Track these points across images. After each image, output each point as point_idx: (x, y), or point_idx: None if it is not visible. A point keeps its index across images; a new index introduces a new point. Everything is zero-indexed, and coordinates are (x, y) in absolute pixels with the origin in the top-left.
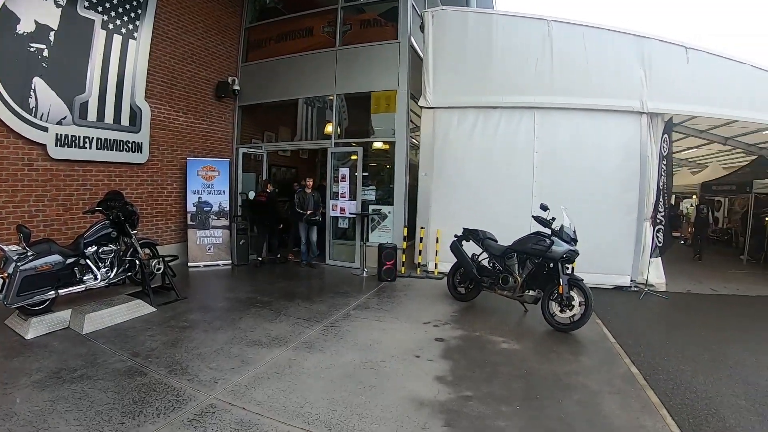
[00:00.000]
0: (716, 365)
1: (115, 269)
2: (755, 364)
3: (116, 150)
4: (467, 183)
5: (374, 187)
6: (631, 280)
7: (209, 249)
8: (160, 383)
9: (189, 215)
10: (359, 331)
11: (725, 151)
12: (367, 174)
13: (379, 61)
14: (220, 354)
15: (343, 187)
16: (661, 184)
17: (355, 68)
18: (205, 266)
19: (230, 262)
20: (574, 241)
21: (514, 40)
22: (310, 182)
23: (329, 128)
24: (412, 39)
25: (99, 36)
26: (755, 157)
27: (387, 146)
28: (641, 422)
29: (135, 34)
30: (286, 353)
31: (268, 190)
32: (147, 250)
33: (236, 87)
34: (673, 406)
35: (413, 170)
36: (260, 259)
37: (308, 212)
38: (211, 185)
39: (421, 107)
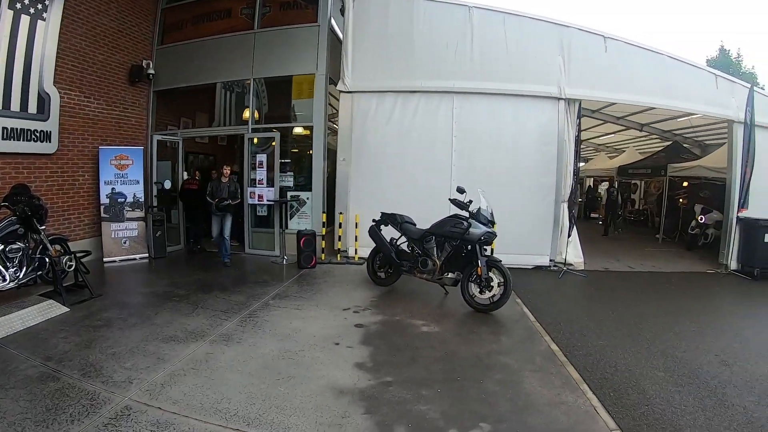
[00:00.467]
0: (634, 339)
1: (25, 268)
2: (672, 337)
3: (23, 140)
4: (386, 167)
5: (293, 174)
6: (550, 260)
7: (125, 242)
8: (73, 388)
9: (102, 207)
10: (278, 320)
11: (641, 136)
12: (289, 161)
13: (299, 45)
14: (135, 352)
15: (261, 174)
16: (576, 167)
17: (273, 52)
18: (121, 261)
19: (147, 255)
20: (492, 223)
21: (435, 25)
22: (227, 170)
23: (247, 114)
24: (333, 22)
25: (5, 16)
26: (670, 142)
27: (307, 132)
28: (562, 398)
29: (44, 15)
30: (203, 348)
31: (197, 178)
32: (58, 247)
33: (151, 71)
34: (593, 381)
35: (333, 156)
36: (199, 246)
37: (216, 200)
38: (124, 175)
39: (339, 92)
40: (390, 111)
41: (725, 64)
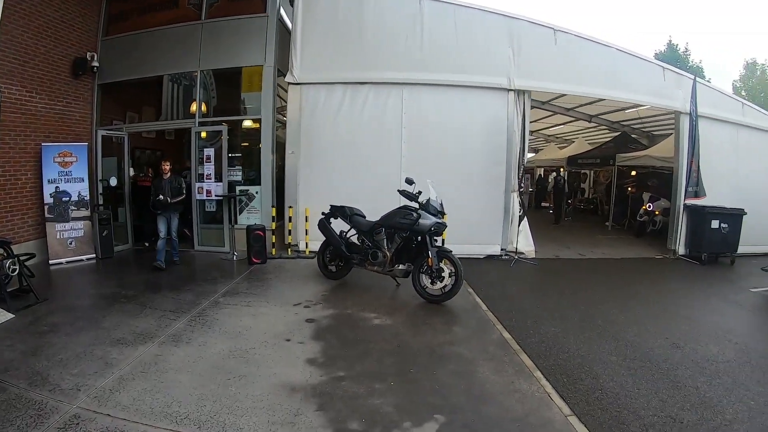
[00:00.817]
0: (586, 325)
1: None
2: (623, 322)
3: None
4: (335, 160)
5: (242, 168)
6: (502, 249)
7: (71, 243)
8: (20, 398)
9: (46, 207)
10: (228, 318)
11: (591, 127)
12: (237, 155)
13: (247, 36)
14: (82, 358)
15: (209, 169)
16: (523, 157)
17: (221, 43)
18: (67, 262)
19: (94, 255)
20: (442, 213)
21: (385, 16)
22: (166, 166)
23: (194, 107)
24: (282, 12)
25: None
26: (618, 133)
27: (256, 125)
28: (516, 386)
29: None
30: (151, 349)
31: (150, 174)
32: (0, 250)
33: (96, 63)
34: (546, 368)
35: (282, 149)
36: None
37: (159, 197)
38: (68, 173)
39: (288, 83)
40: (339, 103)
41: (673, 58)
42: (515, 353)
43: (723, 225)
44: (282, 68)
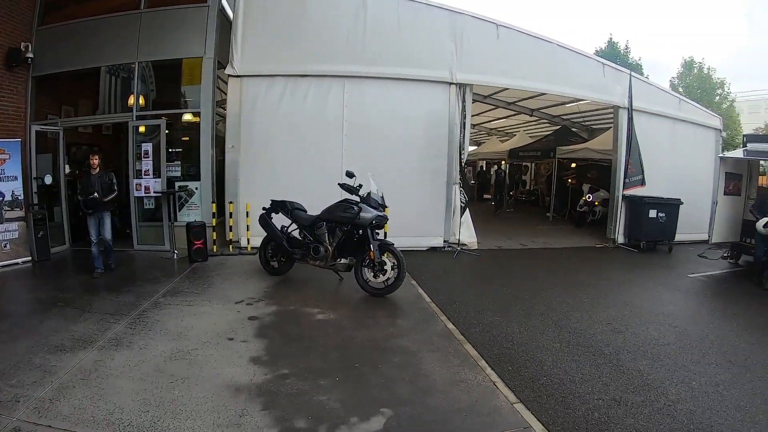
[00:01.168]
0: (529, 313)
1: None
2: (565, 309)
3: None
4: (275, 154)
5: (180, 163)
6: (444, 241)
7: (5, 246)
8: None
9: None
10: (169, 319)
11: (532, 121)
12: (179, 149)
13: (187, 26)
14: (20, 367)
15: (147, 165)
16: (465, 150)
17: (160, 33)
18: (2, 266)
19: (30, 258)
20: (383, 206)
21: (328, 8)
22: (95, 160)
23: (132, 100)
24: (224, 2)
25: None
26: (559, 126)
27: (196, 118)
28: (462, 376)
29: None
30: (91, 355)
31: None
32: None
33: (30, 54)
34: (491, 357)
35: (222, 143)
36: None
37: (90, 197)
38: (1, 171)
39: (228, 76)
40: (280, 96)
41: (613, 55)
42: (460, 343)
43: (660, 214)
44: (223, 60)
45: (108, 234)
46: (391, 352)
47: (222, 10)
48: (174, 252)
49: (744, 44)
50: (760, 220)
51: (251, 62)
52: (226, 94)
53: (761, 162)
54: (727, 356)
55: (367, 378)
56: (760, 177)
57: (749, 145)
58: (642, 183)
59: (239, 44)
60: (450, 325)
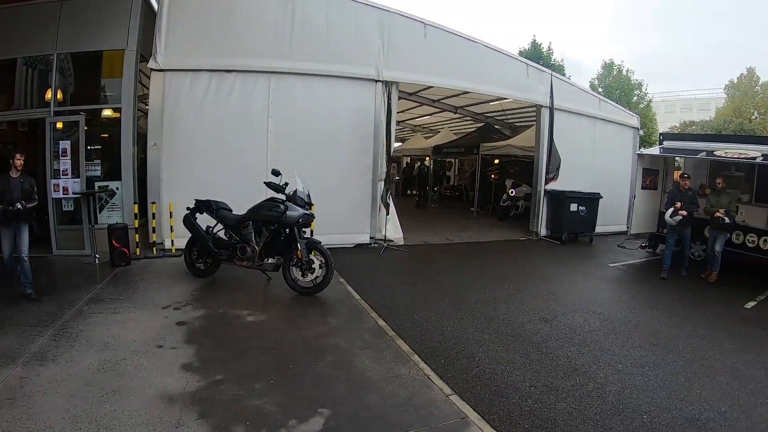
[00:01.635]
0: (458, 307)
1: None
2: (493, 301)
3: None
4: (200, 152)
5: (101, 162)
6: (371, 238)
7: None
8: None
9: None
10: (95, 328)
11: (456, 118)
12: (97, 147)
13: (109, 17)
14: None
15: (65, 164)
16: (391, 147)
17: (81, 24)
18: None
19: None
20: (309, 204)
21: (256, 2)
22: (19, 160)
23: (49, 94)
24: None
25: None
26: (482, 124)
27: (117, 114)
28: (396, 371)
29: None
30: (16, 372)
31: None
32: None
33: None
34: (424, 351)
35: (144, 140)
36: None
37: (12, 207)
38: None
39: (151, 69)
40: (204, 91)
41: (536, 55)
42: (392, 339)
43: (581, 208)
44: (146, 53)
45: (25, 248)
46: (325, 351)
47: (147, 0)
48: (96, 256)
49: (662, 48)
50: (667, 212)
51: (175, 56)
52: (148, 88)
53: (676, 158)
54: (650, 339)
55: (302, 379)
56: (675, 172)
57: (665, 143)
58: (554, 178)
59: (163, 36)
60: (381, 322)
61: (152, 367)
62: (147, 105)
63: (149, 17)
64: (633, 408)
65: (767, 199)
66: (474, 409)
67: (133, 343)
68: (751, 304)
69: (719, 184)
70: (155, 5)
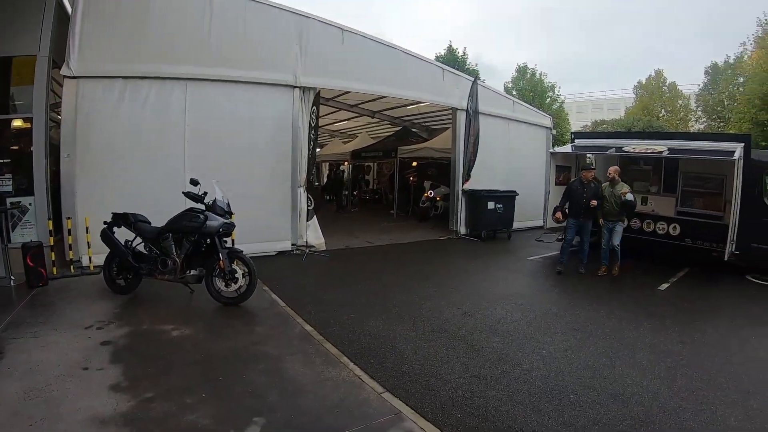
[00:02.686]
0: (383, 307)
1: None
2: (417, 300)
3: None
4: (116, 163)
5: (11, 176)
6: (293, 244)
7: None
8: None
9: None
10: (15, 354)
11: (374, 122)
12: (8, 160)
13: (20, 20)
14: None
15: None
16: (310, 152)
17: None
18: None
19: None
20: (229, 213)
21: (173, 6)
22: None
23: None
24: None
25: None
26: (399, 127)
27: (28, 124)
28: (327, 374)
29: None
30: None
31: None
32: None
33: None
34: (353, 353)
35: (57, 152)
36: None
37: None
38: None
39: (63, 77)
40: (119, 99)
41: (452, 60)
42: (320, 343)
43: (498, 206)
44: (59, 60)
45: None
46: (254, 360)
47: (60, 3)
48: (10, 278)
49: (575, 52)
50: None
51: (90, 62)
52: (60, 97)
53: (587, 155)
54: (571, 325)
55: (234, 389)
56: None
57: (576, 141)
58: (467, 178)
59: (77, 42)
60: (308, 327)
61: (80, 390)
62: (59, 115)
63: (62, 21)
64: (560, 389)
65: (674, 190)
66: (407, 404)
67: (57, 367)
68: (664, 286)
69: (610, 175)
70: (69, 9)
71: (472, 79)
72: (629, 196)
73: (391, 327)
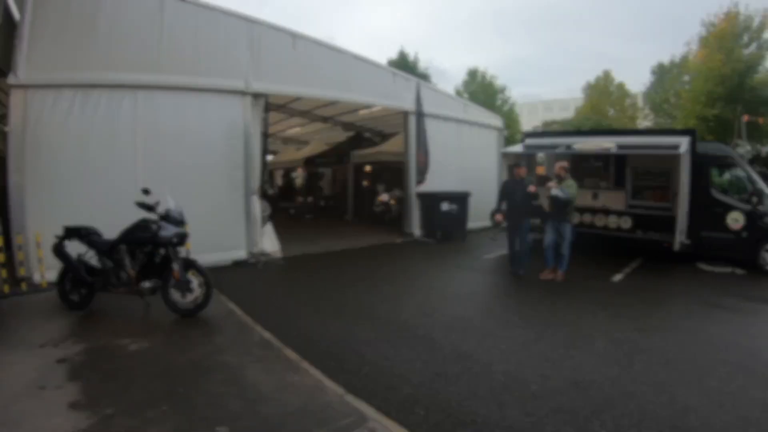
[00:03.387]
0: (342, 311)
1: None
2: (375, 302)
3: None
4: (67, 175)
5: None
6: (249, 253)
7: None
8: None
9: None
10: None
11: (326, 128)
12: None
13: None
14: None
15: None
16: (263, 160)
17: None
18: None
19: None
20: (182, 223)
21: (122, 11)
22: None
23: None
24: (9, 1)
25: None
26: (352, 132)
27: None
28: (288, 380)
29: None
30: None
31: None
32: None
33: None
34: (313, 357)
35: (4, 165)
36: None
37: None
38: None
39: (10, 86)
40: (68, 109)
41: (403, 64)
42: (279, 350)
43: (452, 206)
44: (5, 68)
45: None
46: (214, 370)
47: (7, 9)
48: None
49: (525, 54)
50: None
51: (38, 70)
52: (6, 107)
53: (538, 154)
54: (528, 318)
55: (196, 401)
56: (537, 167)
57: (527, 141)
58: (422, 181)
59: (25, 49)
60: (267, 334)
61: (38, 410)
62: (6, 126)
63: (8, 28)
64: (521, 381)
65: (623, 184)
66: (370, 405)
67: (13, 388)
68: (618, 277)
69: (556, 172)
70: (16, 15)
71: (417, 81)
72: (554, 191)
73: (350, 330)
